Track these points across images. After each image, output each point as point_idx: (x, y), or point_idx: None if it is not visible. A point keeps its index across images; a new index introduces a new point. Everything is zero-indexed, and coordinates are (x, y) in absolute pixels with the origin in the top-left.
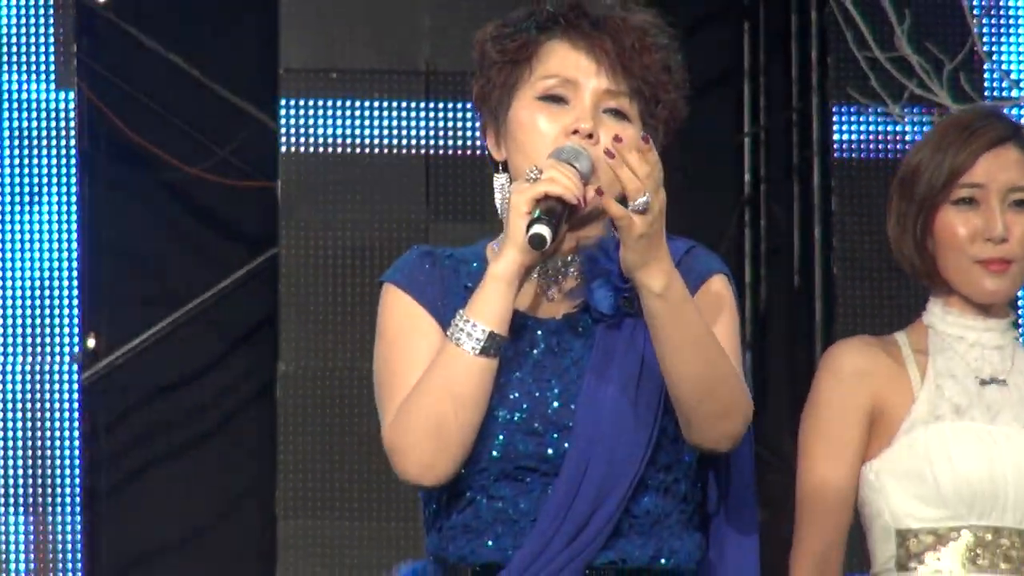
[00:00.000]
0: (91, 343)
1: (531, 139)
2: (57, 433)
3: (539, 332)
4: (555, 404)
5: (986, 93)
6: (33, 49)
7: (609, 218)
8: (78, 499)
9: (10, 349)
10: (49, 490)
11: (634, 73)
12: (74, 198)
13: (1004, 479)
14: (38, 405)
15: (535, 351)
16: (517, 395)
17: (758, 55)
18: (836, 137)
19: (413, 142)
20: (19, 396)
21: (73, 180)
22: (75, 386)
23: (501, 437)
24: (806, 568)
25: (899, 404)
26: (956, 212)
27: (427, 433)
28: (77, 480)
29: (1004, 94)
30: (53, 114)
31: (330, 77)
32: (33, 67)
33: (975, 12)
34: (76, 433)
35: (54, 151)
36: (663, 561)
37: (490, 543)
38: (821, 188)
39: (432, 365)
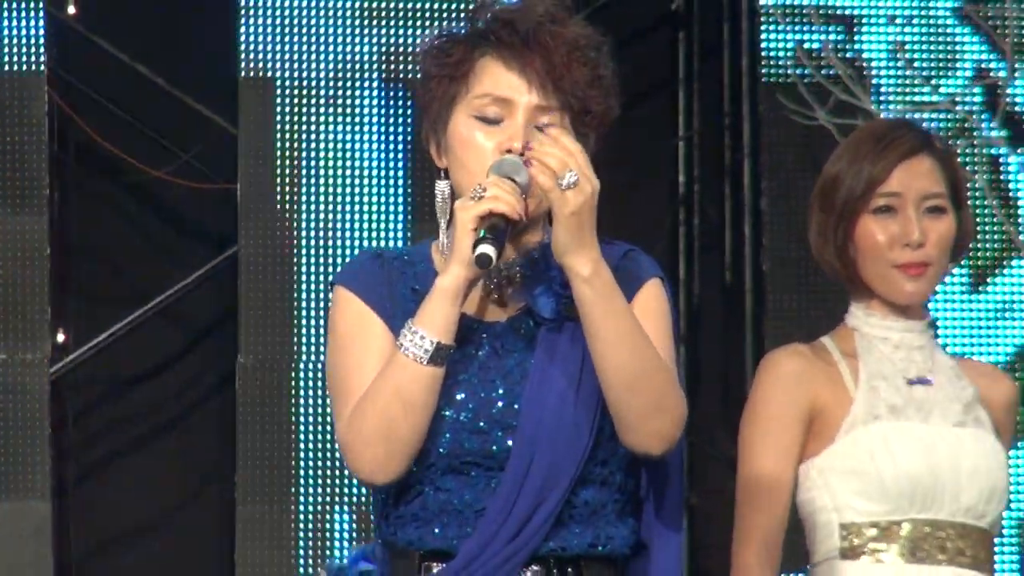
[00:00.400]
0: (60, 338)
1: (469, 155)
2: (27, 424)
3: (484, 335)
4: (499, 404)
5: (907, 99)
6: (8, 61)
7: (546, 223)
8: (48, 487)
9: None
10: (19, 478)
11: (563, 89)
12: (45, 200)
13: (942, 474)
14: (9, 397)
15: (480, 353)
16: (463, 395)
17: (692, 63)
18: (765, 141)
19: (365, 151)
20: None
21: (44, 183)
22: (45, 379)
23: (448, 435)
24: (752, 555)
25: (837, 405)
26: (875, 220)
27: (378, 436)
28: (47, 468)
29: (926, 99)
30: (26, 121)
31: (287, 86)
32: (6, 78)
33: (898, 20)
34: (46, 423)
35: (26, 156)
36: (600, 548)
37: (437, 531)
38: (751, 189)
39: (383, 372)
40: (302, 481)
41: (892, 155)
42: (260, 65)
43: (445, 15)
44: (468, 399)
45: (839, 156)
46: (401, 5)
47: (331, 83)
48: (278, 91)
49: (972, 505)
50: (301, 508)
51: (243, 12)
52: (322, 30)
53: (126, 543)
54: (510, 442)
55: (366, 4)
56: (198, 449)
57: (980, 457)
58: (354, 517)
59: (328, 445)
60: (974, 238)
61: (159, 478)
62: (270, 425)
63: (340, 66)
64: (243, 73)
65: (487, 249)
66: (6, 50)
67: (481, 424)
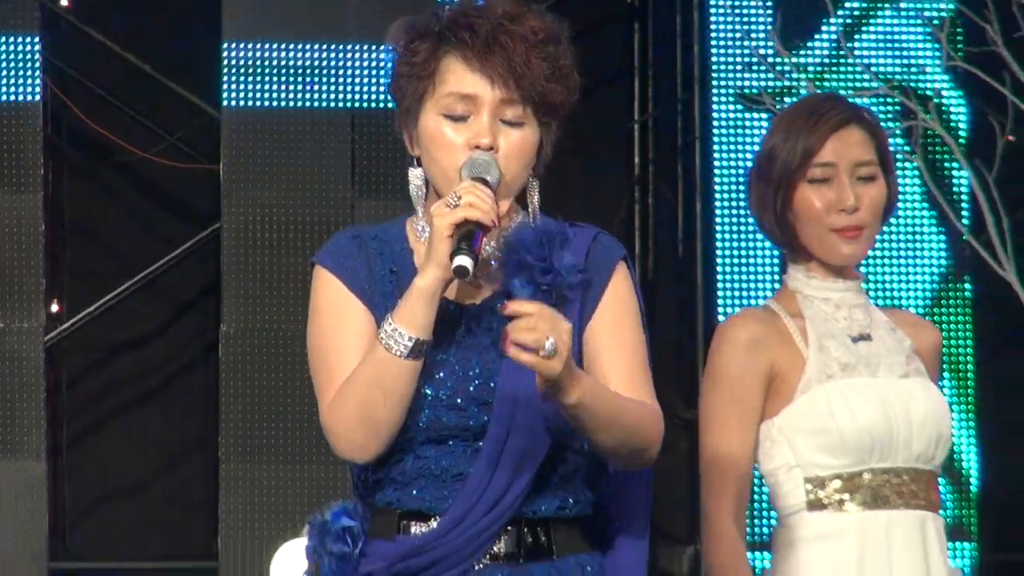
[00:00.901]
0: (54, 308)
1: (440, 152)
2: (23, 388)
3: (461, 316)
4: (476, 382)
5: (849, 85)
6: (4, 51)
7: (516, 204)
8: (42, 447)
9: None
10: (16, 439)
11: (524, 84)
12: (39, 180)
13: (896, 425)
14: (6, 364)
15: (457, 333)
16: (442, 375)
17: (647, 52)
18: (716, 123)
19: (339, 136)
20: None
21: (39, 164)
22: (40, 347)
23: (427, 411)
24: (728, 517)
25: (792, 366)
26: (811, 189)
27: (360, 421)
28: (42, 430)
29: (866, 86)
30: (22, 106)
31: (268, 74)
32: (4, 68)
33: (840, 11)
34: (41, 388)
35: (22, 139)
36: (567, 511)
37: (415, 492)
38: (702, 169)
39: (364, 362)
40: (283, 442)
41: (824, 127)
42: (242, 53)
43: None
44: (446, 377)
45: (774, 130)
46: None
47: (310, 67)
48: (258, 78)
49: (923, 451)
50: (283, 467)
51: (227, 3)
52: (299, 16)
53: (116, 500)
54: (486, 418)
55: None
56: (184, 412)
57: (927, 405)
58: (334, 476)
59: (307, 407)
60: (905, 212)
61: (148, 439)
62: (251, 389)
63: (316, 53)
64: (225, 60)
65: (464, 261)
66: (3, 40)
67: (459, 401)
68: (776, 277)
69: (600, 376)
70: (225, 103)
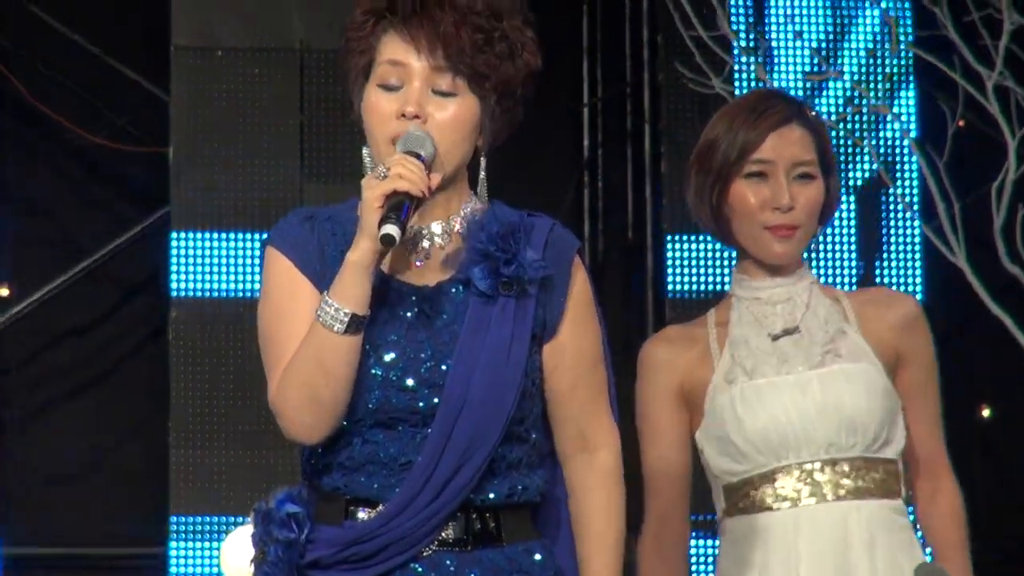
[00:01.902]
0: (3, 292)
1: (374, 122)
2: None
3: (413, 297)
4: (428, 364)
5: (799, 69)
6: None
7: (469, 189)
8: None
9: None
10: None
11: (451, 53)
12: None
13: (791, 423)
14: None
15: (409, 315)
16: (393, 355)
17: (595, 34)
18: (664, 108)
19: (287, 111)
20: None
21: None
22: None
23: (377, 392)
24: (649, 541)
25: (702, 380)
26: (747, 184)
27: (304, 401)
28: None
29: (815, 70)
30: None
31: (215, 55)
32: None
33: None
34: None
35: None
36: (515, 498)
37: (363, 479)
38: (651, 153)
39: (304, 341)
40: (231, 427)
41: (765, 124)
42: (190, 35)
43: None
44: (397, 359)
45: (716, 122)
46: None
47: (256, 52)
48: (209, 60)
49: (833, 440)
50: (231, 452)
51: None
52: (250, 2)
53: (64, 485)
54: (436, 400)
55: None
56: (132, 397)
57: (832, 394)
58: (281, 461)
59: (255, 391)
60: (856, 198)
61: (96, 424)
62: (200, 374)
63: (261, 36)
64: (174, 42)
65: (390, 230)
66: None
67: (409, 382)
68: (725, 262)
69: (568, 393)
70: (174, 84)
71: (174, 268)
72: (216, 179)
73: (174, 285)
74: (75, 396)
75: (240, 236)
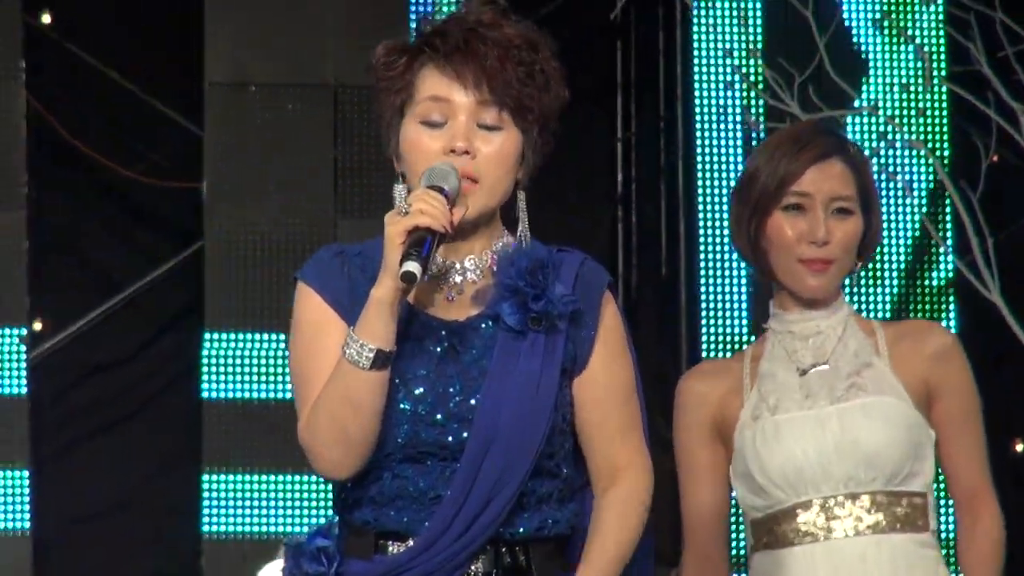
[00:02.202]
0: (38, 326)
1: (417, 159)
2: (7, 405)
3: (443, 332)
4: (456, 399)
5: (832, 104)
6: None
7: (502, 224)
8: (27, 465)
9: None
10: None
11: (497, 87)
12: (23, 197)
13: (806, 459)
14: None
15: (439, 349)
16: (422, 390)
17: (630, 69)
18: (699, 142)
19: (321, 147)
20: None
21: (23, 181)
22: (23, 364)
23: (406, 427)
24: (689, 568)
25: (734, 414)
26: (785, 216)
27: (333, 438)
28: (26, 447)
29: (848, 104)
30: (5, 122)
31: (249, 90)
32: None
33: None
34: (24, 405)
35: (5, 155)
36: (545, 532)
37: (392, 513)
38: (685, 188)
39: (332, 377)
40: (264, 453)
41: (806, 156)
42: (224, 72)
43: (398, 27)
44: (426, 393)
45: (758, 153)
46: (356, 18)
47: (289, 88)
48: (243, 95)
49: (852, 475)
50: (265, 478)
51: (210, 20)
52: (283, 39)
53: (99, 517)
54: (465, 434)
55: (319, 15)
56: (165, 429)
57: (850, 429)
58: (315, 487)
59: (286, 419)
60: (890, 232)
61: (129, 456)
62: (233, 403)
63: (295, 72)
64: (208, 79)
65: (411, 267)
66: None
67: (438, 417)
68: (761, 294)
69: (598, 426)
70: (208, 120)
71: (208, 302)
72: (250, 214)
73: (208, 317)
74: (109, 429)
75: (273, 270)
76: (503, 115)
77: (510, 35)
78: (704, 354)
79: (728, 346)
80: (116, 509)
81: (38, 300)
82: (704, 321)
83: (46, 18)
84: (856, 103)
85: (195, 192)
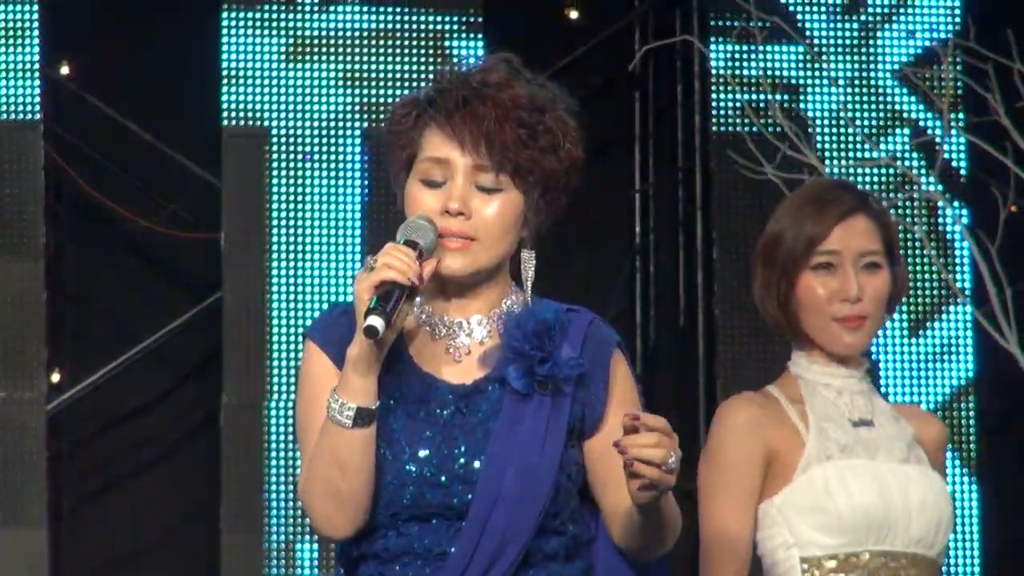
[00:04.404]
0: (56, 377)
1: None
2: (25, 458)
3: (450, 396)
4: (461, 460)
5: (850, 155)
6: (5, 118)
7: (510, 285)
8: (44, 517)
9: None
10: (18, 509)
11: (495, 150)
12: (41, 248)
13: (894, 508)
14: (8, 433)
15: (445, 412)
16: (427, 452)
17: (647, 121)
18: (716, 194)
19: (345, 203)
20: None
21: (40, 232)
22: (41, 416)
23: (412, 488)
24: None
25: (790, 449)
26: (815, 276)
27: (324, 496)
28: (44, 500)
29: (866, 155)
30: (23, 173)
31: (268, 141)
32: (6, 135)
33: (840, 83)
34: (43, 457)
35: (23, 206)
36: None
37: (398, 568)
38: (703, 239)
39: (319, 435)
40: (283, 511)
41: (831, 215)
42: (242, 122)
43: (419, 76)
44: (432, 455)
45: (781, 215)
46: (377, 66)
47: (310, 137)
48: (260, 146)
49: (923, 536)
50: (284, 537)
51: (226, 72)
52: (300, 89)
53: (118, 570)
54: (470, 496)
55: (341, 66)
56: (185, 483)
57: (927, 490)
58: (330, 547)
59: (294, 480)
60: (912, 286)
61: (148, 510)
62: (252, 458)
63: (316, 122)
64: (226, 128)
65: (374, 321)
66: (4, 107)
67: (443, 479)
68: (777, 347)
69: (609, 481)
70: (226, 171)
71: (226, 353)
72: (269, 264)
73: (226, 369)
74: (128, 482)
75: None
76: (501, 177)
77: (515, 96)
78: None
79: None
80: (135, 562)
81: (56, 351)
82: (721, 374)
83: (65, 69)
84: (875, 153)
85: (214, 243)
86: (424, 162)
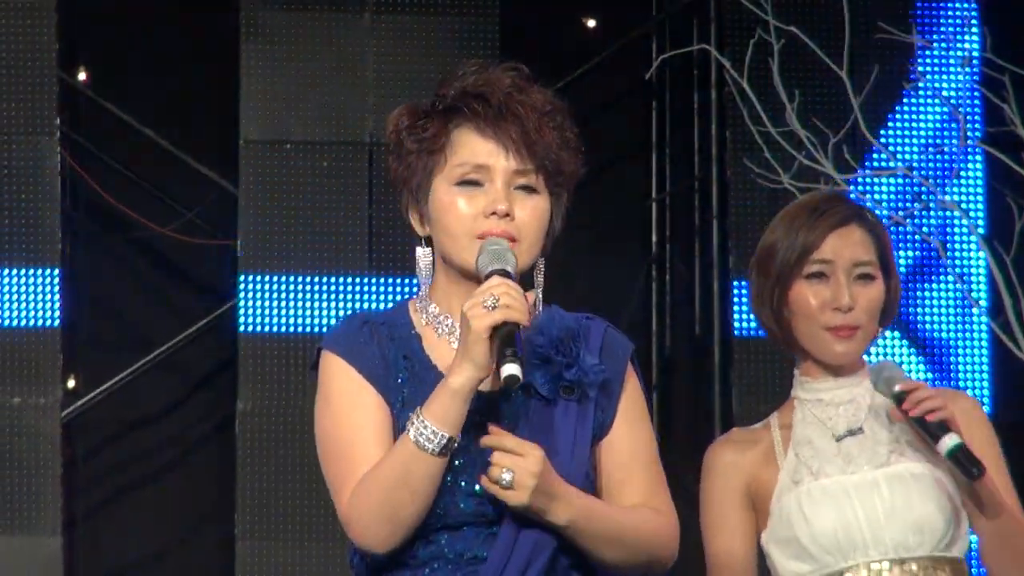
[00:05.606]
0: (71, 384)
1: (453, 221)
2: (40, 464)
3: (477, 403)
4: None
5: (867, 164)
6: (23, 124)
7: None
8: (59, 523)
9: (1, 389)
10: (33, 515)
11: (536, 152)
12: (57, 254)
13: (856, 523)
14: (24, 439)
15: (476, 420)
16: (460, 462)
17: (664, 130)
18: (732, 203)
19: (356, 204)
20: (8, 430)
21: (57, 238)
22: (56, 422)
23: (446, 498)
24: None
25: (769, 480)
26: (808, 285)
27: (384, 518)
28: (58, 505)
29: (883, 165)
30: (40, 180)
31: (284, 148)
32: (23, 141)
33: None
34: (57, 464)
35: (40, 213)
36: None
37: (427, 572)
38: (719, 247)
39: (391, 457)
40: (297, 518)
41: (824, 225)
42: (259, 129)
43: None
44: (466, 464)
45: (776, 226)
46: (391, 73)
47: (324, 146)
48: (276, 154)
49: (901, 540)
50: (298, 544)
51: (244, 80)
52: (318, 96)
53: (133, 574)
54: (503, 504)
55: (356, 75)
56: (199, 489)
57: (900, 495)
58: (344, 553)
59: (320, 484)
60: (927, 296)
61: (162, 516)
62: (266, 466)
63: (330, 130)
64: (243, 136)
65: (515, 370)
66: (22, 114)
67: (477, 488)
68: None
69: (619, 485)
70: (242, 178)
71: (241, 360)
72: (284, 272)
73: (241, 376)
74: (142, 487)
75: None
76: (539, 179)
77: (542, 99)
78: (737, 416)
79: (762, 409)
80: (149, 568)
81: (71, 357)
82: (737, 380)
83: (82, 75)
84: (892, 163)
85: (229, 250)
86: (460, 167)
